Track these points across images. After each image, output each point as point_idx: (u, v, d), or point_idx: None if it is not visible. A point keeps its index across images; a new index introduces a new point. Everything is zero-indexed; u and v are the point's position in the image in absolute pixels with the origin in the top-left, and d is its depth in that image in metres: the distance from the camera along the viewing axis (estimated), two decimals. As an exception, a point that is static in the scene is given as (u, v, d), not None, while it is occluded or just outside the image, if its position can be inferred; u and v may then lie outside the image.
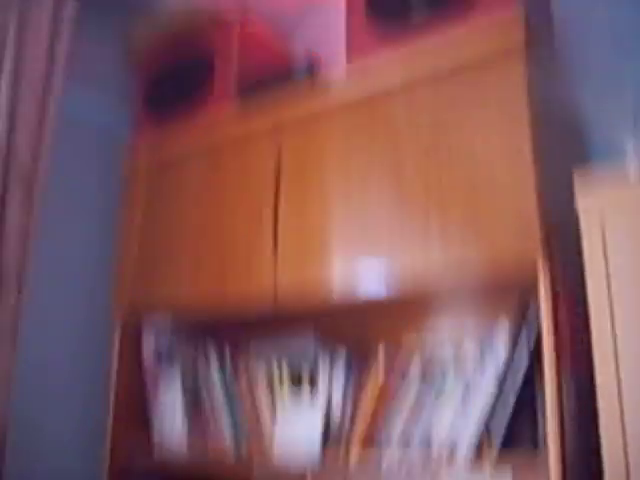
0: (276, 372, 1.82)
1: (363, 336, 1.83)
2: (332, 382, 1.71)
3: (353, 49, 1.78)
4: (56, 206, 2.18)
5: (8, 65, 1.87)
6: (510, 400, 1.42)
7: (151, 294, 1.98)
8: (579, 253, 1.24)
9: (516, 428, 1.43)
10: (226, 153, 1.95)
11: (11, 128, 1.87)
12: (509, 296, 1.55)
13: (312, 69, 1.88)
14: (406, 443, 1.55)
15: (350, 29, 1.80)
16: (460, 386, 1.52)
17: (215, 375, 1.91)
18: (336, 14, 2.01)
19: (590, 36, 1.83)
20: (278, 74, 1.94)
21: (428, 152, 1.56)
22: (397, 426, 1.57)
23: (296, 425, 1.69)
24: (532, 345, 1.43)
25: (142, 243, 2.05)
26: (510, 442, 1.42)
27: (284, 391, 1.78)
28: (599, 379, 1.16)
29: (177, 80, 2.14)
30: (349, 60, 1.77)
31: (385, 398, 1.61)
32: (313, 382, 1.73)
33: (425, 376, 1.59)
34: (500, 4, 1.55)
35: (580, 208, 1.25)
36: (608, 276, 1.19)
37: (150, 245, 2.03)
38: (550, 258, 1.35)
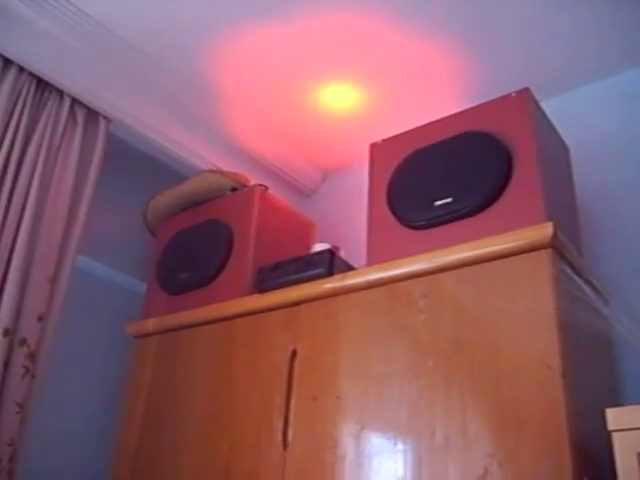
0: None
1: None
2: None
3: (375, 248, 1.71)
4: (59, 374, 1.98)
5: (35, 186, 1.86)
6: None
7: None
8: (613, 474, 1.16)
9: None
10: (239, 333, 1.86)
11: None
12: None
13: (332, 262, 1.76)
14: None
15: (372, 226, 1.74)
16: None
17: None
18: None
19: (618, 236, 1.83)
20: (298, 262, 1.81)
21: (450, 347, 1.48)
22: None
23: None
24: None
25: (144, 427, 1.94)
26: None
27: None
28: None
29: (192, 252, 2.07)
30: (370, 259, 1.70)
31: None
32: None
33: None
34: (526, 204, 1.50)
35: (615, 439, 1.19)
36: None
37: (153, 430, 1.92)
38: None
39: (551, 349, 1.35)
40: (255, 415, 1.72)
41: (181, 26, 1.99)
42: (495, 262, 1.50)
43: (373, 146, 1.84)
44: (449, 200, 1.59)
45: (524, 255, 1.46)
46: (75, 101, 2.01)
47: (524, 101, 1.62)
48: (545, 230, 1.44)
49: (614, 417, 1.21)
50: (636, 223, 1.83)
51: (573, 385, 1.33)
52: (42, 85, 1.95)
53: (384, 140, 1.83)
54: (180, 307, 2.02)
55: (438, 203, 1.60)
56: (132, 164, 2.26)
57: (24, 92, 1.89)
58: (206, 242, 2.05)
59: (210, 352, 1.90)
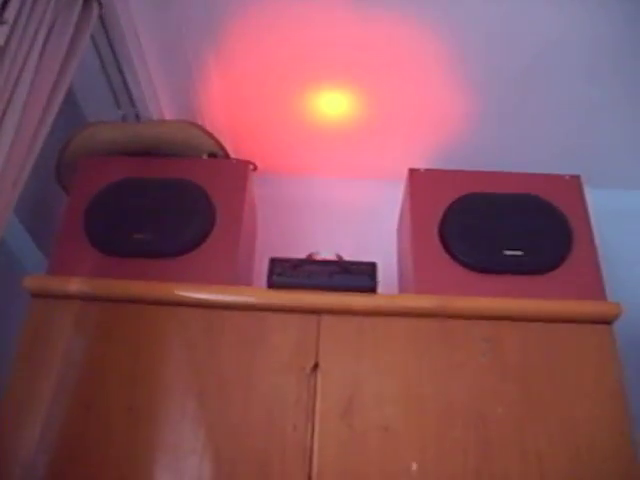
0: None
1: None
2: None
3: (424, 278, 1.59)
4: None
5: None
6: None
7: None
8: None
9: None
10: (230, 328, 1.50)
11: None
12: None
13: (375, 277, 1.55)
14: None
15: (419, 256, 1.62)
16: None
17: None
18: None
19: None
20: (328, 266, 1.58)
21: (519, 396, 1.45)
22: None
23: None
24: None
25: (60, 408, 1.42)
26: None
27: None
28: None
29: (152, 211, 1.63)
30: (420, 288, 1.58)
31: None
32: None
33: None
34: (587, 277, 1.59)
35: None
36: None
37: (75, 416, 1.42)
38: None
39: (622, 420, 1.42)
40: (259, 435, 1.40)
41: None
42: (561, 325, 1.52)
43: (413, 172, 1.75)
44: (519, 253, 1.60)
45: (591, 325, 1.52)
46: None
47: (577, 185, 1.73)
48: (616, 308, 1.53)
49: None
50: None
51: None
52: None
53: (426, 170, 1.75)
54: (127, 273, 1.55)
55: (508, 253, 1.59)
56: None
57: None
58: (176, 205, 1.64)
59: (183, 343, 1.49)
